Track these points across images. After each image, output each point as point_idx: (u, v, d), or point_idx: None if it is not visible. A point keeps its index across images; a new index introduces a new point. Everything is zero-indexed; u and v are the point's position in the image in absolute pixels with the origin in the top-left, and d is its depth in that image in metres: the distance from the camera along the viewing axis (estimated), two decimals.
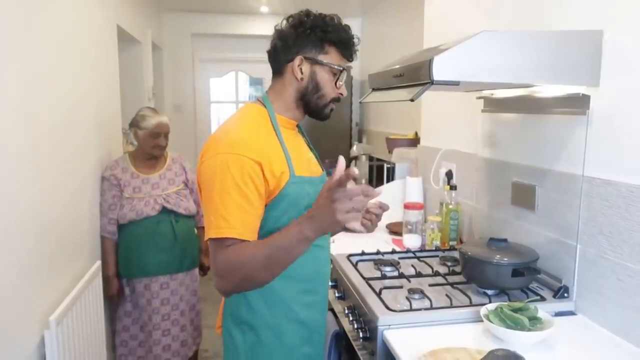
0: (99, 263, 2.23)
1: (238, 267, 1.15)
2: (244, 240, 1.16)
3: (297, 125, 1.41)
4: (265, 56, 1.34)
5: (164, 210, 2.39)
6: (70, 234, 2.00)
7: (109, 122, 2.65)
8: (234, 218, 1.15)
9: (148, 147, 2.42)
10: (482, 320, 1.32)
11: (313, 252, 1.28)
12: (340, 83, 1.31)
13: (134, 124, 2.44)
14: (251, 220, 1.18)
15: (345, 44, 1.29)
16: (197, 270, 2.60)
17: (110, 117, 2.71)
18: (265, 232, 1.22)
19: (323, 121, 1.37)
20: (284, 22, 1.30)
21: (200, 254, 2.62)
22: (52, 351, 1.61)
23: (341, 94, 1.33)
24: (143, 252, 2.37)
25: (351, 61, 1.33)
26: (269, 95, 1.34)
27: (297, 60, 1.26)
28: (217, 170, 1.16)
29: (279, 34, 1.29)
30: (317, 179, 1.35)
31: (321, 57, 1.27)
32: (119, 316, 2.46)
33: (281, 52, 1.28)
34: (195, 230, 2.60)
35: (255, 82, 5.59)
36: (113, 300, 2.44)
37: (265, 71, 5.57)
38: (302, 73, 1.27)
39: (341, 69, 1.29)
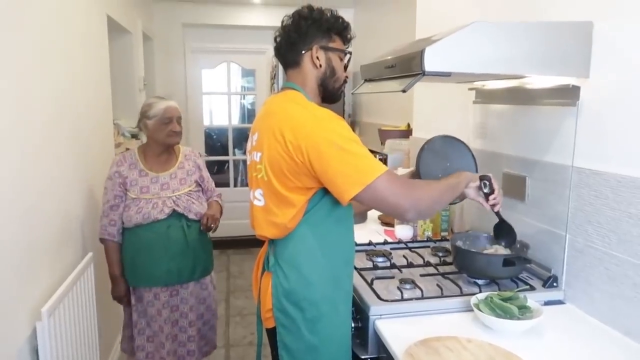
0: (90, 255, 2.22)
1: (422, 190, 1.28)
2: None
3: None
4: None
5: (175, 214, 2.14)
6: (61, 226, 1.99)
7: (99, 113, 2.63)
8: (376, 161, 1.26)
9: (162, 135, 2.14)
10: (472, 310, 1.34)
11: (350, 224, 1.41)
12: (347, 66, 1.46)
13: (142, 116, 2.17)
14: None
15: (346, 30, 1.43)
16: (208, 278, 2.34)
17: (101, 108, 2.68)
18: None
19: (335, 103, 1.49)
20: (287, 18, 1.40)
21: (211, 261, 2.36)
22: (44, 342, 1.60)
23: (347, 77, 1.47)
24: (152, 259, 2.13)
25: (348, 46, 1.47)
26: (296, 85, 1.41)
27: (314, 50, 1.37)
28: (331, 136, 1.23)
29: (291, 28, 1.38)
30: None
31: (331, 45, 1.40)
32: (125, 324, 2.29)
33: (297, 43, 1.38)
34: (208, 236, 2.33)
35: (247, 73, 5.54)
36: (121, 303, 2.23)
37: (257, 62, 5.47)
38: (319, 60, 1.38)
39: (347, 52, 1.44)
